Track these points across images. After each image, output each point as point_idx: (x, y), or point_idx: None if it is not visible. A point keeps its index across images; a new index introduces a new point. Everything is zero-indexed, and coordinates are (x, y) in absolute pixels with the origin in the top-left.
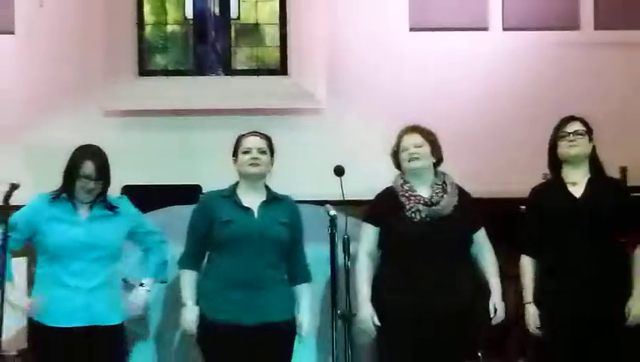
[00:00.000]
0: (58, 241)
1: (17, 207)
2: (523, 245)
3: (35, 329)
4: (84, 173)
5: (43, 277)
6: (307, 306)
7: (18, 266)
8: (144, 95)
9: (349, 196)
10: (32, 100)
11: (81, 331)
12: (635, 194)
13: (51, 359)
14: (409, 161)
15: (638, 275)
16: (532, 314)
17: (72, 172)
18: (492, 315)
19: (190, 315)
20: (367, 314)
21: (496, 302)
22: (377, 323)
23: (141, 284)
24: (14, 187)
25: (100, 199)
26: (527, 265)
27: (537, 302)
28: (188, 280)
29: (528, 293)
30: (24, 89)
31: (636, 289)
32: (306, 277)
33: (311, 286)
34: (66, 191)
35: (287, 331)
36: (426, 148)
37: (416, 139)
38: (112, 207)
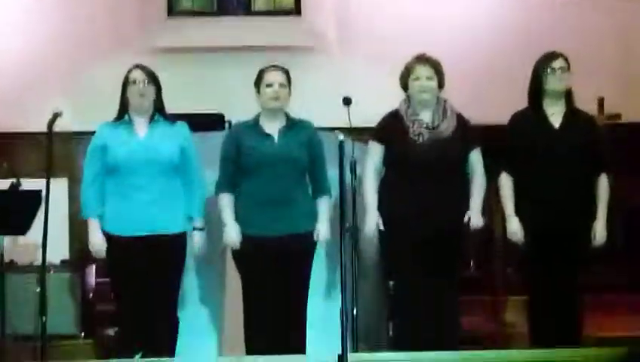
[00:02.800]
0: (118, 157)
1: (59, 134)
2: (502, 164)
3: (106, 238)
4: (133, 77)
5: (109, 190)
6: (325, 216)
7: (59, 186)
8: (173, 34)
9: (356, 123)
10: (73, 41)
11: (145, 239)
12: (609, 122)
13: (117, 265)
14: (420, 92)
15: (602, 200)
16: (515, 225)
17: (124, 84)
18: (470, 225)
19: (232, 232)
20: (373, 219)
21: (472, 214)
22: (381, 227)
23: (194, 228)
24: (57, 115)
25: (158, 115)
26: (506, 182)
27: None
28: (225, 202)
29: (510, 207)
30: (66, 32)
31: (600, 212)
32: (325, 191)
33: (329, 200)
34: (123, 108)
35: (310, 240)
36: (435, 81)
37: (428, 71)
38: (169, 122)
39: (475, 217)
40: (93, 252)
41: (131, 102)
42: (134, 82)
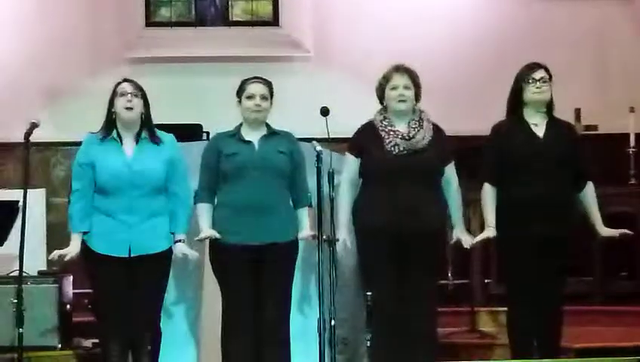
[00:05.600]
0: (104, 178)
1: (36, 144)
2: (485, 174)
3: (88, 253)
4: (121, 89)
5: (96, 208)
6: (308, 225)
7: (37, 196)
8: (151, 44)
9: (334, 134)
10: (51, 51)
11: (128, 260)
12: (586, 133)
13: (100, 282)
14: (397, 101)
15: (593, 206)
16: (492, 235)
17: (111, 97)
18: (465, 245)
19: (206, 228)
20: (342, 235)
21: (459, 234)
22: (349, 245)
23: (176, 241)
24: (34, 125)
25: (146, 129)
26: (489, 193)
27: (499, 227)
28: (203, 211)
29: (491, 217)
30: (44, 39)
31: (596, 217)
32: (306, 201)
33: (310, 210)
34: (109, 122)
35: (291, 250)
36: (412, 91)
37: (406, 81)
38: (157, 140)
39: (463, 235)
40: (64, 254)
41: (119, 114)
42: (122, 94)
